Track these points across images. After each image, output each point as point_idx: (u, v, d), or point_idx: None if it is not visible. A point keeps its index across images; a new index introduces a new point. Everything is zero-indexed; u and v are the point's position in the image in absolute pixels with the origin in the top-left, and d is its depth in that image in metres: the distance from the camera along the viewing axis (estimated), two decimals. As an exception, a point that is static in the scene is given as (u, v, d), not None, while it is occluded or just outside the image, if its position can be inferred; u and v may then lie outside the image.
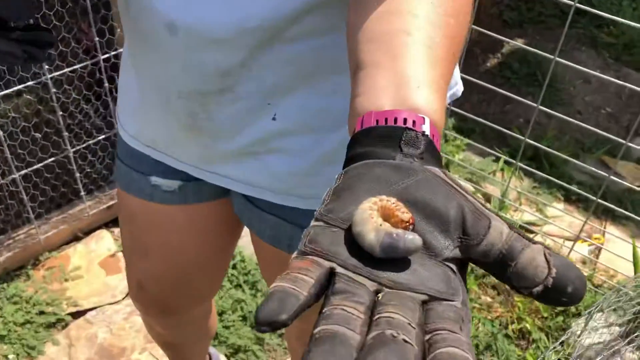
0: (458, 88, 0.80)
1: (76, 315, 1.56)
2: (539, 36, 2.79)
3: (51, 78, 1.42)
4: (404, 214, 0.36)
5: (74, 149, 1.57)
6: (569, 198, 2.01)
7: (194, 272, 0.94)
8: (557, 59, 1.40)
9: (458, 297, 0.34)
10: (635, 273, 1.52)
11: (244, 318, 1.56)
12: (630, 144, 1.45)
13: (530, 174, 2.05)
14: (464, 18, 0.50)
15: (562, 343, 1.53)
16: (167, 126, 0.73)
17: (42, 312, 1.54)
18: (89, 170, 1.68)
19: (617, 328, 1.51)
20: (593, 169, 1.61)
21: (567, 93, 2.47)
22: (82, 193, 1.65)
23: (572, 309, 1.63)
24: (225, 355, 1.48)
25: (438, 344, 0.30)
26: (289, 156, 0.69)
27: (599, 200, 1.55)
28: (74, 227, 1.70)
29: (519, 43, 1.93)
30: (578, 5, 1.31)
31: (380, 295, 0.33)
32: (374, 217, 0.36)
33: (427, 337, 0.31)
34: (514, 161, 1.63)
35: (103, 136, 1.64)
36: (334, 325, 0.30)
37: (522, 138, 1.57)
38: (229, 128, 0.68)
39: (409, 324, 0.31)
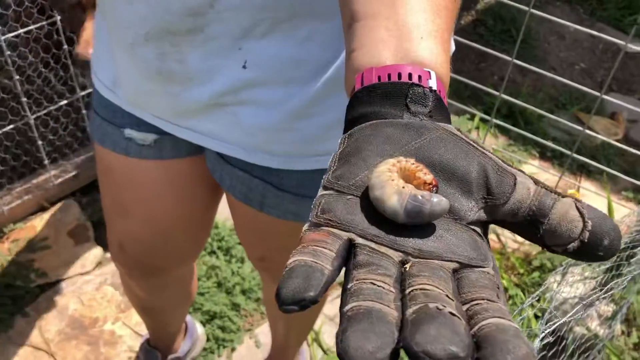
0: (450, 46, 0.77)
1: (45, 287, 1.51)
2: (513, -8, 2.75)
3: (5, 40, 1.34)
4: (427, 175, 0.33)
5: (34, 116, 1.51)
6: (544, 154, 2.00)
7: (176, 231, 0.91)
8: (532, 10, 1.37)
9: (489, 263, 0.32)
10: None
11: (219, 284, 1.54)
12: (604, 96, 1.43)
13: (505, 131, 2.03)
14: None
15: (538, 298, 1.54)
16: (136, 73, 0.70)
17: (9, 285, 1.49)
18: (52, 137, 1.62)
19: (592, 282, 1.52)
20: (568, 123, 1.60)
21: (541, 49, 2.44)
22: (46, 162, 1.59)
23: (548, 264, 1.63)
24: (201, 322, 1.46)
25: (481, 315, 0.27)
26: (259, 108, 0.66)
27: (574, 155, 1.54)
28: (39, 197, 1.64)
29: (493, -3, 1.89)
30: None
31: (407, 266, 0.30)
32: (394, 179, 0.32)
33: (465, 307, 0.28)
34: (489, 118, 1.61)
35: (65, 102, 1.57)
36: (366, 301, 0.27)
37: (497, 94, 1.54)
38: (199, 73, 0.65)
39: (447, 295, 0.28)
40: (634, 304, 1.55)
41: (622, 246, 1.41)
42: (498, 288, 0.30)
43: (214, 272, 1.55)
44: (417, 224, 0.32)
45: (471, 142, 0.36)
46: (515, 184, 0.34)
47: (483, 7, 2.57)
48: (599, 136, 1.58)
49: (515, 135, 2.00)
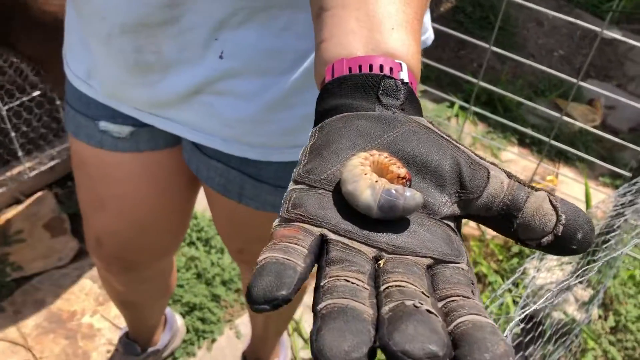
0: (428, 36, 0.76)
1: (21, 281, 1.49)
2: (492, -21, 2.75)
3: (-27, 29, 1.31)
4: (400, 168, 0.32)
5: (6, 107, 1.48)
6: (523, 141, 2.01)
7: (153, 225, 0.90)
8: (509, -3, 1.37)
9: (462, 259, 0.31)
10: (587, 206, 1.54)
11: (199, 275, 1.53)
12: (581, 83, 1.44)
13: (484, 119, 2.04)
14: None
15: (516, 284, 1.55)
16: (113, 65, 0.68)
17: (-16, 280, 1.47)
18: (25, 129, 1.59)
19: (569, 267, 1.54)
20: (546, 110, 1.60)
21: (520, 36, 2.45)
22: (20, 154, 1.56)
23: (527, 250, 1.65)
24: (181, 314, 1.45)
25: (457, 312, 0.27)
26: (237, 99, 0.65)
27: (552, 142, 1.55)
28: (14, 190, 1.61)
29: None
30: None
31: (381, 262, 0.30)
32: (367, 173, 0.32)
33: (441, 304, 0.28)
34: (468, 105, 1.61)
35: (38, 92, 1.54)
36: (340, 299, 0.26)
37: (476, 81, 1.54)
38: (175, 63, 0.64)
39: (422, 292, 0.27)
40: (611, 288, 1.57)
41: (598, 231, 1.43)
42: (472, 284, 0.30)
43: (194, 263, 1.54)
44: (391, 219, 0.31)
45: (444, 135, 0.35)
46: (488, 178, 0.33)
47: (462, -6, 2.57)
48: (577, 123, 1.59)
49: (494, 122, 2.01)
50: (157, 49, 0.63)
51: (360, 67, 0.37)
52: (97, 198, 0.87)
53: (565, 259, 1.57)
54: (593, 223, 0.34)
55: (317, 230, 0.30)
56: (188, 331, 1.43)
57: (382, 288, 0.28)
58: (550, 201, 0.32)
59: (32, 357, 1.36)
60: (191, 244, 1.59)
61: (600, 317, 1.55)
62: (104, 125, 0.77)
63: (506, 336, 0.71)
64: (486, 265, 1.62)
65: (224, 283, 1.52)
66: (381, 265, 0.29)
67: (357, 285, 0.27)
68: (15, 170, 1.61)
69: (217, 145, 0.70)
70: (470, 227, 1.72)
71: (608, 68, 2.38)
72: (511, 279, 0.67)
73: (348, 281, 0.28)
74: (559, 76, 1.47)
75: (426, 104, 2.08)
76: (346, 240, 0.30)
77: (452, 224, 0.33)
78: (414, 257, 0.30)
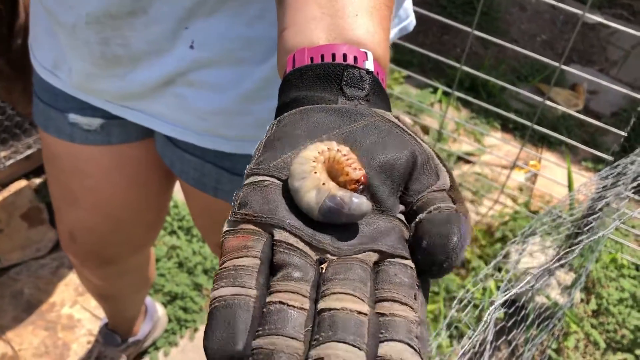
0: (410, 22, 0.74)
1: (-1, 272, 1.46)
2: (475, -36, 2.73)
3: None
4: (356, 170, 0.30)
5: (-20, 95, 1.44)
6: (506, 127, 2.01)
7: (129, 219, 0.88)
8: (491, -20, 1.36)
9: (409, 254, 0.30)
10: (569, 189, 1.54)
11: (180, 264, 1.51)
12: (564, 67, 1.43)
13: (468, 104, 2.03)
14: None
15: (499, 269, 1.55)
16: (80, 57, 0.65)
17: (-40, 272, 1.44)
18: (0, 117, 1.55)
19: (552, 251, 1.54)
20: (529, 94, 1.60)
21: (503, 21, 2.44)
22: (-5, 142, 1.53)
23: (510, 235, 1.65)
24: (162, 304, 1.43)
25: (385, 334, 0.26)
26: (209, 91, 0.62)
27: (535, 126, 1.55)
28: (-10, 180, 1.58)
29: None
30: None
31: (324, 266, 0.28)
32: (317, 171, 0.30)
33: (378, 309, 0.27)
34: (451, 91, 1.60)
35: (12, 79, 1.51)
36: (272, 337, 0.25)
37: (459, 66, 1.53)
38: (145, 55, 0.61)
39: (358, 312, 0.26)
40: (593, 272, 1.58)
41: (581, 215, 1.43)
42: (418, 286, 0.29)
43: (175, 252, 1.52)
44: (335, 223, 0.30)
45: (407, 131, 0.33)
46: (431, 185, 0.32)
47: (445, -21, 2.55)
48: (560, 107, 1.59)
49: (478, 107, 2.00)
50: (124, 42, 0.61)
51: (322, 56, 0.35)
52: (69, 192, 0.84)
53: (548, 242, 1.57)
54: (453, 249, 0.29)
55: (267, 233, 0.29)
56: (170, 321, 1.42)
57: (318, 308, 0.27)
58: (438, 208, 0.31)
59: (10, 349, 1.34)
60: (172, 232, 1.57)
61: (582, 300, 1.56)
62: (73, 117, 0.75)
63: (488, 322, 0.71)
64: (470, 250, 1.61)
65: (205, 272, 1.50)
66: (323, 270, 0.28)
67: (293, 306, 0.26)
68: (-10, 160, 1.57)
69: (191, 139, 0.67)
70: (453, 212, 1.72)
71: (590, 53, 2.39)
72: (492, 263, 0.66)
73: (283, 303, 0.26)
74: (542, 60, 1.46)
75: (409, 90, 2.07)
76: (291, 239, 0.29)
77: (402, 219, 0.32)
78: (360, 255, 0.29)
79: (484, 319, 0.67)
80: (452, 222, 0.30)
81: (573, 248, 0.85)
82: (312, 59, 0.36)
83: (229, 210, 0.30)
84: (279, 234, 0.29)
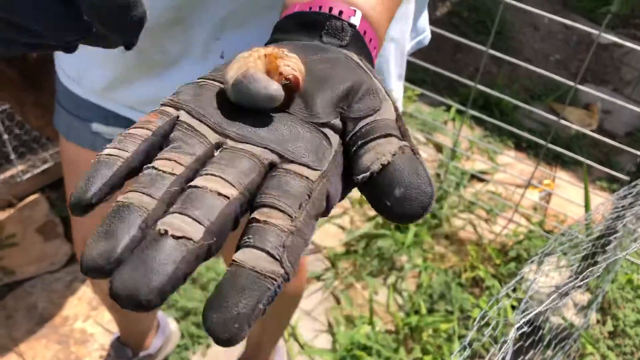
0: (426, 36, 0.75)
1: (13, 285, 1.47)
2: (488, -16, 2.75)
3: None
4: (286, 67, 0.30)
5: (-1, 109, 1.46)
6: (520, 145, 2.01)
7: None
8: (506, 0, 1.36)
9: (319, 166, 0.29)
10: (586, 208, 1.53)
11: (193, 280, 1.51)
12: (578, 86, 1.43)
13: (481, 123, 2.03)
14: None
15: (514, 289, 1.54)
16: (113, 65, 0.66)
17: (-25, 284, 1.44)
18: (18, 131, 1.57)
19: (567, 271, 1.53)
20: (543, 113, 1.60)
21: (516, 41, 2.45)
22: (13, 157, 1.54)
23: (524, 254, 1.64)
24: (175, 319, 1.43)
25: (252, 239, 0.26)
26: None
27: (549, 145, 1.54)
28: (6, 193, 1.59)
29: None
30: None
31: (219, 150, 0.29)
32: (250, 61, 0.31)
33: (255, 215, 0.27)
34: (464, 109, 1.60)
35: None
36: (131, 193, 0.26)
37: (472, 84, 1.54)
38: (181, 59, 0.62)
39: (219, 193, 0.26)
40: (609, 293, 1.56)
41: (597, 234, 1.42)
42: (308, 197, 0.28)
43: (188, 267, 1.52)
44: (247, 107, 0.30)
45: (364, 68, 0.34)
46: (376, 110, 0.32)
47: (458, -1, 2.57)
48: (574, 126, 1.58)
49: (491, 126, 2.00)
50: (162, 49, 0.62)
51: (310, 8, 0.37)
52: None
53: (564, 261, 1.56)
54: (428, 196, 0.28)
55: (176, 113, 0.30)
56: (183, 336, 1.41)
57: (191, 183, 0.27)
58: (397, 148, 0.30)
59: (23, 362, 1.34)
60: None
61: (598, 321, 1.54)
62: (95, 127, 0.75)
63: (507, 341, 0.70)
64: (484, 269, 1.60)
65: (219, 287, 1.50)
66: (216, 154, 0.29)
67: (164, 171, 0.27)
68: (7, 174, 1.59)
69: None
70: (467, 231, 1.71)
71: (604, 72, 2.38)
72: (510, 284, 0.66)
73: (156, 168, 0.27)
74: (556, 79, 1.46)
75: (422, 108, 2.08)
76: (195, 123, 0.29)
77: (330, 134, 0.31)
78: (258, 149, 0.29)
79: (504, 339, 0.66)
80: (421, 170, 0.29)
81: (592, 269, 0.85)
82: (301, 9, 0.37)
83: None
84: (184, 116, 0.30)
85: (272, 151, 0.29)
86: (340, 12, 0.36)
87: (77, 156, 0.80)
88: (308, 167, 0.29)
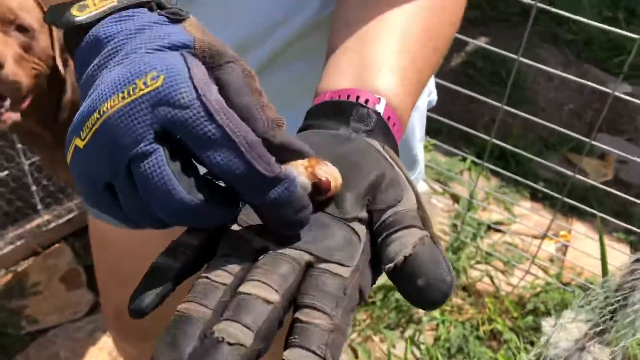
0: (433, 97, 0.79)
1: (36, 334, 1.49)
2: (502, 34, 2.81)
3: None
4: (321, 170, 0.34)
5: (29, 162, 1.51)
6: (536, 196, 2.02)
7: (177, 295, 0.89)
8: (521, 58, 1.40)
9: (351, 263, 0.32)
10: (603, 271, 1.53)
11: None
12: (594, 143, 1.45)
13: (497, 173, 2.05)
14: (451, 16, 0.49)
15: (531, 342, 1.53)
16: None
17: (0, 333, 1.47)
18: (45, 183, 1.62)
19: (586, 325, 1.52)
20: (558, 168, 1.62)
21: (531, 90, 2.49)
22: (40, 207, 1.59)
23: (542, 307, 1.63)
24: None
25: (298, 338, 0.29)
26: None
27: (565, 199, 1.56)
28: (32, 242, 1.63)
29: (482, 42, 1.94)
30: (540, 5, 1.31)
31: (261, 257, 0.32)
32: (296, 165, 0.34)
33: (297, 314, 0.30)
34: (480, 161, 1.63)
35: (60, 147, 1.58)
36: (189, 303, 0.30)
37: (488, 139, 1.57)
38: None
39: (265, 300, 0.29)
40: (629, 349, 1.55)
41: (616, 288, 1.42)
42: (344, 293, 0.31)
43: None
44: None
45: (386, 156, 0.37)
46: (399, 200, 0.35)
47: (472, 49, 2.63)
48: (589, 180, 1.60)
49: (507, 176, 2.02)
50: None
51: (339, 96, 0.41)
52: (118, 274, 0.86)
53: (583, 316, 1.55)
54: (448, 287, 0.31)
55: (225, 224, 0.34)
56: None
57: (239, 289, 0.30)
58: (418, 238, 0.32)
59: (44, 413, 1.35)
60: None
61: (618, 377, 1.52)
62: None
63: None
64: (501, 322, 1.60)
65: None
66: (258, 260, 0.32)
67: (216, 281, 0.31)
68: (34, 223, 1.63)
69: None
70: (484, 283, 1.72)
71: (619, 122, 2.40)
72: (535, 351, 0.67)
73: (209, 278, 0.31)
74: (570, 134, 1.49)
75: (438, 158, 2.10)
76: (241, 232, 0.33)
77: (359, 229, 0.34)
78: (296, 252, 0.32)
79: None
80: (441, 260, 0.32)
81: (612, 325, 0.85)
82: (331, 97, 0.41)
83: None
84: (234, 226, 0.34)
85: (308, 253, 0.32)
86: (367, 101, 0.40)
87: (106, 233, 0.82)
88: (341, 264, 0.32)
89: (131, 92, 0.30)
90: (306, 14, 0.56)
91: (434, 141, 2.02)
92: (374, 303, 1.61)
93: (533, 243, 1.83)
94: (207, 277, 0.31)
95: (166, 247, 0.33)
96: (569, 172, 1.55)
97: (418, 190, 0.37)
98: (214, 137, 0.30)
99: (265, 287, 0.30)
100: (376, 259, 0.34)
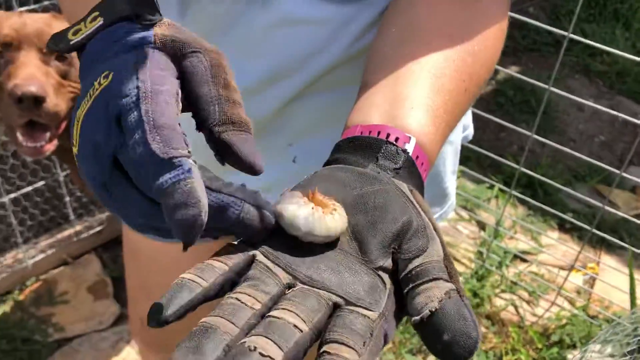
0: (469, 132, 0.80)
1: (62, 342, 1.52)
2: (533, 64, 2.81)
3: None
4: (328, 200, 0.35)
5: (64, 173, 1.56)
6: (563, 226, 2.00)
7: (205, 307, 0.90)
8: (552, 88, 1.41)
9: (377, 308, 0.33)
10: (631, 305, 1.51)
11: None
12: (624, 174, 1.44)
13: (524, 202, 2.04)
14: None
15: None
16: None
17: (27, 340, 1.50)
18: (79, 194, 1.66)
19: (612, 359, 1.49)
20: (588, 199, 1.60)
21: (561, 121, 2.47)
22: (72, 217, 1.63)
23: (567, 339, 1.61)
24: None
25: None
26: None
27: (594, 231, 1.54)
28: (63, 252, 1.67)
29: (512, 71, 1.94)
30: (572, 35, 1.32)
31: (290, 290, 0.32)
32: (302, 199, 0.35)
33: (326, 349, 0.30)
34: (508, 189, 1.62)
35: (94, 160, 1.62)
36: (216, 317, 0.30)
37: (517, 167, 1.56)
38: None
39: (295, 325, 0.29)
40: (657, 386, 1.51)
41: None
42: (371, 335, 0.31)
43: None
44: (316, 242, 0.34)
45: (413, 202, 0.37)
46: (424, 250, 0.35)
47: (503, 78, 2.63)
48: (619, 213, 1.58)
49: (535, 205, 2.00)
50: None
51: (370, 132, 0.41)
52: (147, 287, 0.88)
53: (608, 350, 1.52)
54: (473, 344, 0.31)
55: (252, 252, 0.34)
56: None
57: (270, 313, 0.30)
58: (444, 292, 0.32)
59: (66, 421, 1.37)
60: None
61: (645, 416, 1.48)
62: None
63: None
64: (525, 352, 1.58)
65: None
66: (286, 292, 0.32)
67: (246, 304, 0.30)
68: (65, 233, 1.67)
69: None
70: (509, 312, 1.70)
71: (651, 155, 2.37)
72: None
73: (239, 300, 0.31)
74: (601, 166, 1.48)
75: (466, 184, 2.10)
76: (269, 263, 0.33)
77: (386, 277, 0.34)
78: (323, 292, 0.32)
79: None
80: (467, 315, 0.32)
81: (638, 357, 0.84)
82: (362, 132, 0.41)
83: None
84: (259, 257, 0.34)
85: (336, 294, 0.33)
86: (397, 139, 0.40)
87: (140, 244, 0.84)
88: (367, 309, 0.32)
89: (92, 93, 0.33)
90: (339, 47, 0.56)
91: (462, 168, 2.02)
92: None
93: (560, 274, 1.81)
94: (235, 298, 0.31)
95: (195, 266, 0.33)
96: (599, 204, 1.53)
97: (444, 239, 0.37)
98: (134, 119, 0.32)
99: (295, 316, 0.30)
100: (398, 308, 0.34)
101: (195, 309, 0.32)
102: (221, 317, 0.30)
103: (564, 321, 1.66)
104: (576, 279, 1.81)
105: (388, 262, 0.35)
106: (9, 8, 1.32)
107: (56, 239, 1.66)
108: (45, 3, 1.41)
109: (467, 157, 2.18)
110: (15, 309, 1.56)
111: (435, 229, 0.36)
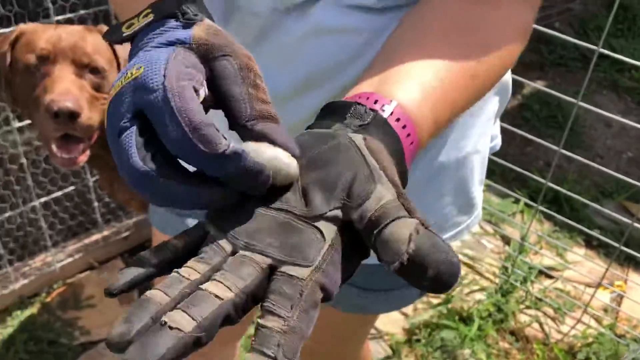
0: (497, 142, 0.79)
1: (88, 345, 1.54)
2: (560, 79, 2.79)
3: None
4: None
5: (93, 178, 1.59)
6: (590, 243, 1.97)
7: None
8: (580, 103, 1.40)
9: (309, 263, 0.34)
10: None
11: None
12: (654, 191, 1.42)
13: (550, 217, 2.02)
14: (500, 48, 0.49)
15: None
16: None
17: (53, 342, 1.52)
18: (107, 199, 1.69)
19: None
20: (615, 214, 1.58)
21: (588, 136, 2.45)
22: (100, 222, 1.65)
23: (594, 358, 1.58)
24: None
25: (253, 342, 0.31)
26: None
27: (622, 248, 1.52)
28: (90, 256, 1.70)
29: (539, 85, 1.93)
30: (602, 50, 1.31)
31: (230, 258, 0.35)
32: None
33: (258, 319, 0.32)
34: (534, 204, 1.61)
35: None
36: (155, 290, 0.33)
37: (543, 182, 1.55)
38: None
39: (215, 295, 0.32)
40: (686, 408, 1.48)
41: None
42: (300, 295, 0.33)
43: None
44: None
45: (363, 152, 0.38)
46: (372, 192, 0.36)
47: (529, 93, 2.61)
48: (648, 229, 1.55)
49: (561, 221, 1.98)
50: None
51: (352, 99, 0.42)
52: None
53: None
54: (456, 267, 0.32)
55: (207, 228, 0.37)
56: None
57: (201, 286, 0.33)
58: (412, 229, 0.33)
59: (90, 423, 1.38)
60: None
61: None
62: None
63: None
64: (550, 370, 1.56)
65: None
66: (227, 262, 0.35)
67: (183, 275, 0.34)
68: (93, 238, 1.70)
69: None
70: (533, 328, 1.68)
71: (680, 173, 2.33)
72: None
73: (178, 273, 0.34)
74: (628, 181, 1.46)
75: (491, 198, 2.09)
76: (217, 235, 0.36)
77: (325, 229, 0.36)
78: (258, 256, 0.34)
79: None
80: (441, 244, 0.33)
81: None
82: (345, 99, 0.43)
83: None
84: (212, 231, 0.37)
85: (270, 257, 0.35)
86: (376, 101, 0.41)
87: None
88: (300, 265, 0.34)
89: (123, 81, 0.37)
90: (371, 56, 0.56)
91: (487, 181, 2.00)
92: (418, 341, 1.60)
93: (586, 291, 1.78)
94: (177, 272, 0.34)
95: (154, 245, 0.37)
96: (628, 220, 1.51)
97: (397, 179, 0.38)
98: (165, 116, 0.34)
99: (221, 286, 0.33)
100: (353, 251, 0.36)
101: (142, 284, 0.36)
102: (159, 289, 0.33)
103: (590, 339, 1.63)
104: (603, 297, 1.78)
105: (334, 213, 0.36)
106: (46, 17, 1.36)
107: (84, 244, 1.69)
108: (81, 12, 1.44)
109: (492, 171, 2.17)
110: (42, 311, 1.59)
111: (384, 170, 0.37)
